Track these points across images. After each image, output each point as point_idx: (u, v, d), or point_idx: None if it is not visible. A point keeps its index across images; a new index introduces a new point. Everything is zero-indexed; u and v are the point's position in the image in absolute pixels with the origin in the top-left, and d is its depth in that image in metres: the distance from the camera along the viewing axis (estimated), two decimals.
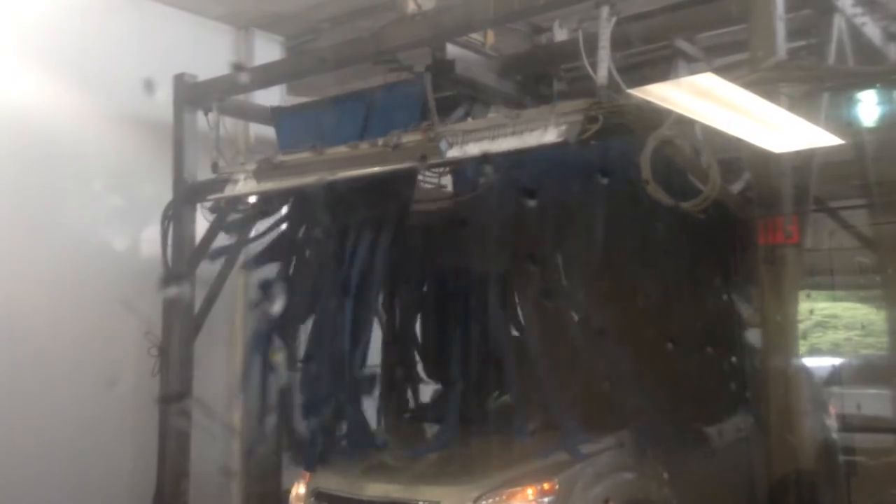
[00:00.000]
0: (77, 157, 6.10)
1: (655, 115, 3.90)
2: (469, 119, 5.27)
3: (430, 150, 4.80)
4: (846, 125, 4.42)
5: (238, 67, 6.87)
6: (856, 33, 4.87)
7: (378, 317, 5.97)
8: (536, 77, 5.92)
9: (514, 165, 4.83)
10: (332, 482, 4.98)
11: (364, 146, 5.24)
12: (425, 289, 5.96)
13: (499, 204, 4.97)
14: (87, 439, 5.92)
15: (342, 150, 5.44)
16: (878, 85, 4.27)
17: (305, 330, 5.72)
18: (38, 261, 5.81)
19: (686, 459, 5.03)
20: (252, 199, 6.22)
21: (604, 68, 4.33)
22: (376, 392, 5.86)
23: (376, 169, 5.08)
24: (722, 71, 3.83)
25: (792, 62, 4.09)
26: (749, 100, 3.49)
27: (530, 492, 4.44)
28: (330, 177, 5.26)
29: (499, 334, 5.19)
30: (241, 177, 5.98)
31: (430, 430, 5.60)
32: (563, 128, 4.37)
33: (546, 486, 4.45)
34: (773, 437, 4.00)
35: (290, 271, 5.80)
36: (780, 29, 4.10)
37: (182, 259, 6.31)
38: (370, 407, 5.72)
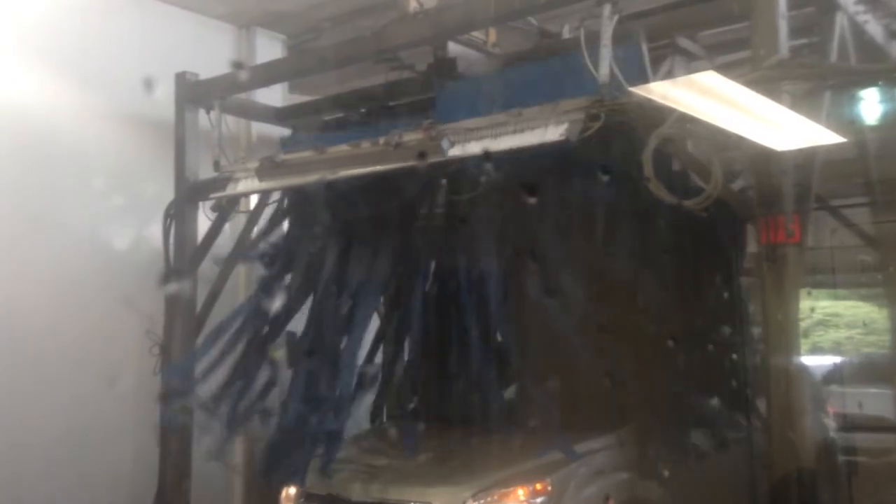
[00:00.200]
0: (78, 156, 6.10)
1: (657, 114, 3.90)
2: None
3: (432, 148, 4.80)
4: (848, 123, 4.42)
5: (239, 66, 6.87)
6: (858, 31, 4.86)
7: (378, 314, 5.96)
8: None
9: (515, 161, 4.81)
10: (323, 483, 4.96)
11: (365, 145, 5.24)
12: (426, 286, 5.94)
13: (499, 201, 4.96)
14: (88, 439, 5.91)
15: (343, 148, 5.44)
16: (880, 83, 4.27)
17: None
18: (40, 260, 5.81)
19: (685, 458, 5.01)
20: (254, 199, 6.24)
21: (605, 66, 4.33)
22: (371, 391, 5.83)
23: (378, 168, 5.07)
24: (724, 69, 3.83)
25: (794, 60, 4.09)
26: (751, 98, 3.49)
27: (521, 492, 4.42)
28: (331, 175, 5.26)
29: (499, 332, 5.17)
30: (243, 175, 5.98)
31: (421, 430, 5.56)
32: (565, 126, 4.37)
33: (538, 486, 4.43)
34: (774, 435, 4.00)
35: (292, 268, 5.78)
36: (783, 27, 4.10)
37: (184, 258, 6.30)
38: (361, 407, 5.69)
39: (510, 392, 5.63)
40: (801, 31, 4.56)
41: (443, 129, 4.83)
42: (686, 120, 3.85)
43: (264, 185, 5.82)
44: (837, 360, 9.11)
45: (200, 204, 6.31)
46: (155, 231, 6.27)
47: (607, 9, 4.40)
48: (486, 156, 4.63)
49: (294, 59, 7.31)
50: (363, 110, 6.57)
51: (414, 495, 4.59)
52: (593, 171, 4.69)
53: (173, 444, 6.12)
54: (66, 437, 5.79)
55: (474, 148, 4.70)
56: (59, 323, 5.82)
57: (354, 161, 5.22)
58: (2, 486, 5.43)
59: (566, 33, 5.50)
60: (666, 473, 4.80)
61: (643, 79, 4.34)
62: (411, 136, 4.97)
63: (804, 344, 4.52)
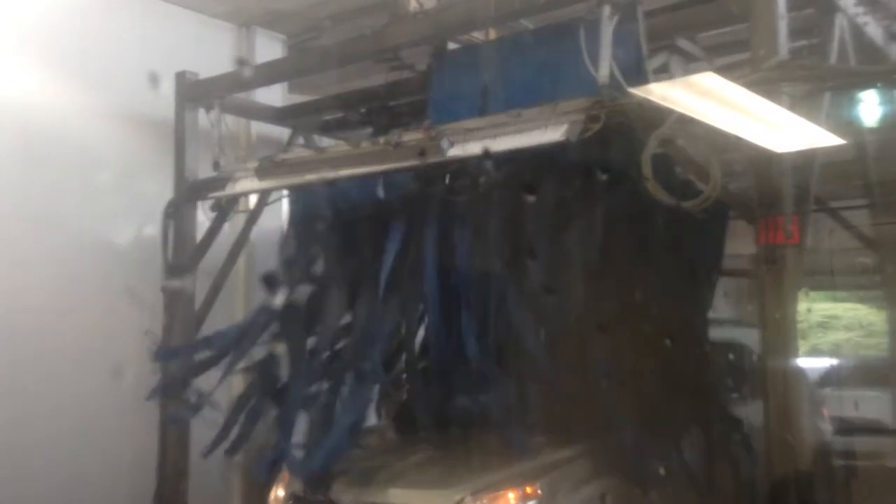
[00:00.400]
0: (78, 155, 6.09)
1: (657, 115, 3.90)
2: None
3: (432, 148, 4.80)
4: (847, 125, 4.41)
5: (241, 62, 6.87)
6: (858, 33, 4.87)
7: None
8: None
9: (516, 160, 4.80)
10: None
11: (365, 145, 5.25)
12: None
13: (500, 200, 4.95)
14: (87, 437, 5.91)
15: (343, 148, 5.45)
16: (879, 84, 4.25)
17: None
18: (40, 258, 5.81)
19: (674, 463, 4.96)
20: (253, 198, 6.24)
21: (605, 67, 4.33)
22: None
23: (378, 168, 5.08)
24: (723, 70, 3.83)
25: (793, 62, 4.09)
26: (750, 99, 3.49)
27: (512, 496, 4.38)
28: (331, 175, 5.26)
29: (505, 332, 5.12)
30: (243, 175, 5.98)
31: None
32: (565, 126, 4.36)
33: (528, 489, 4.39)
34: (771, 437, 3.99)
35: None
36: (782, 28, 4.10)
37: (183, 257, 6.31)
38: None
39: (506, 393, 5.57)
40: (800, 32, 4.56)
41: (442, 130, 4.83)
42: (685, 121, 3.85)
43: (264, 184, 5.82)
44: (834, 362, 9.11)
45: (199, 203, 6.31)
46: (154, 230, 6.27)
47: (607, 9, 4.40)
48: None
49: (294, 58, 7.32)
50: (363, 110, 6.60)
51: (402, 498, 4.55)
52: (607, 170, 4.68)
53: (172, 443, 6.13)
54: (66, 435, 5.79)
55: (474, 148, 4.70)
56: (58, 321, 5.81)
57: (354, 161, 5.22)
58: (4, 482, 5.43)
59: None
60: (658, 476, 4.76)
61: (641, 75, 4.35)
62: (411, 136, 4.97)
63: (803, 346, 4.52)
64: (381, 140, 5.09)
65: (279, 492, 5.12)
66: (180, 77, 6.39)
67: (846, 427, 6.24)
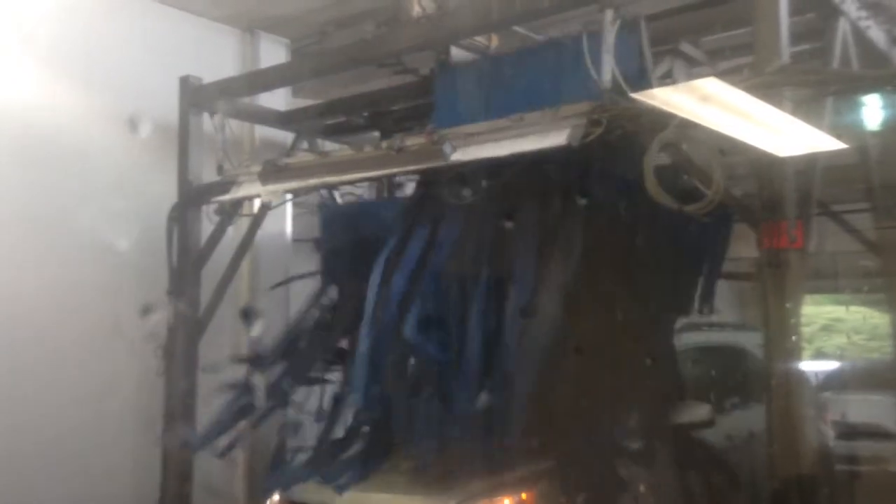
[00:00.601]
0: (82, 159, 6.11)
1: (659, 119, 3.90)
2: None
3: (434, 153, 4.81)
4: (850, 129, 4.42)
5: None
6: (860, 37, 4.87)
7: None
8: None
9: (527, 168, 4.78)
10: (306, 493, 4.93)
11: (368, 149, 5.26)
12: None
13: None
14: (91, 441, 5.92)
15: (346, 153, 5.47)
16: (882, 88, 4.25)
17: None
18: (44, 261, 5.82)
19: (666, 470, 4.96)
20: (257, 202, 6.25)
21: (607, 71, 4.34)
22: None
23: (381, 172, 5.09)
24: (726, 74, 3.84)
25: (796, 66, 4.09)
26: (753, 104, 3.49)
27: (507, 502, 4.36)
28: (334, 179, 5.28)
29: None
30: (246, 179, 5.99)
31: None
32: (567, 131, 4.37)
33: (523, 496, 4.37)
34: (774, 442, 3.99)
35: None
36: (785, 32, 4.10)
37: (187, 260, 6.32)
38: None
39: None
40: (803, 36, 4.57)
41: (444, 134, 4.84)
42: (688, 125, 3.85)
43: (267, 188, 5.83)
44: (835, 365, 9.06)
45: (204, 207, 6.33)
46: (158, 234, 6.28)
47: (609, 14, 4.41)
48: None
49: (297, 62, 7.33)
50: (366, 114, 6.62)
51: None
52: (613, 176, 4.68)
53: (175, 446, 6.14)
54: (69, 439, 5.79)
55: (476, 152, 4.71)
56: (60, 326, 5.83)
57: (357, 165, 5.23)
58: (5, 487, 5.44)
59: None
60: (643, 487, 4.73)
61: (644, 85, 4.35)
62: (414, 141, 4.98)
63: (807, 349, 4.51)
64: (384, 144, 5.10)
65: (275, 497, 5.09)
66: (184, 81, 6.41)
67: (847, 431, 6.22)
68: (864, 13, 4.93)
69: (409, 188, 7.26)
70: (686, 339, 5.73)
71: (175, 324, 6.28)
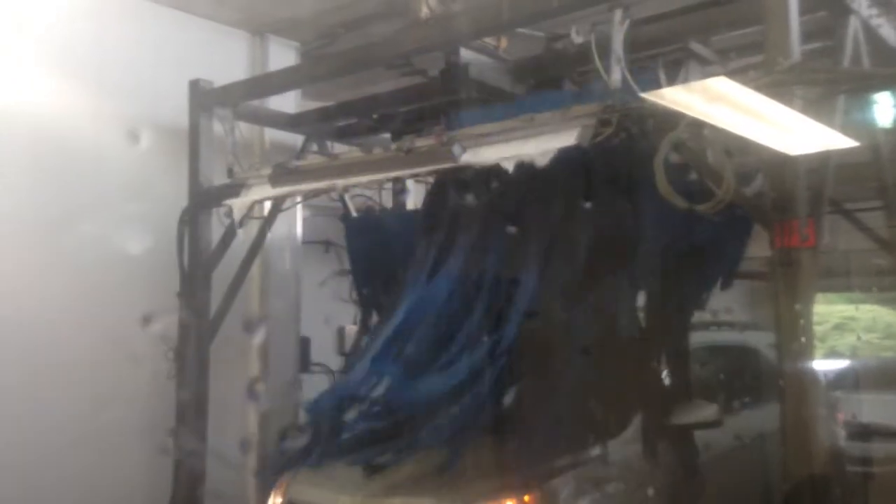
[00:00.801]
0: (93, 163, 6.15)
1: (669, 119, 3.89)
2: None
3: (444, 154, 4.81)
4: (862, 127, 4.39)
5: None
6: (872, 35, 4.83)
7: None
8: (550, 80, 5.91)
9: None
10: (308, 493, 4.92)
11: (377, 151, 5.26)
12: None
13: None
14: (102, 444, 5.95)
15: (356, 154, 5.47)
16: (894, 86, 4.23)
17: None
18: (55, 266, 5.86)
19: (674, 471, 4.92)
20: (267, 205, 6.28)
21: (617, 72, 4.33)
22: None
23: (391, 174, 5.09)
24: (736, 73, 3.82)
25: (807, 64, 4.06)
26: (763, 103, 3.47)
27: None
28: (343, 182, 5.28)
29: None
30: (257, 182, 6.01)
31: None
32: (577, 131, 4.36)
33: (527, 498, 4.32)
34: (786, 442, 3.97)
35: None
36: (795, 31, 4.08)
37: (198, 263, 6.35)
38: None
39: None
40: (813, 35, 4.54)
41: (454, 135, 4.84)
42: (698, 125, 3.84)
43: (277, 191, 5.85)
44: (848, 364, 8.98)
45: (214, 210, 6.35)
46: (169, 237, 6.31)
47: (618, 14, 4.40)
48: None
49: (307, 65, 7.35)
50: (375, 116, 6.63)
51: None
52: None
53: (188, 448, 6.16)
54: (81, 443, 5.82)
55: (486, 153, 4.70)
56: (73, 329, 5.86)
57: (367, 167, 5.24)
58: (19, 491, 5.48)
59: (574, 37, 5.50)
60: (652, 490, 4.69)
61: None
62: (423, 142, 4.98)
63: (820, 348, 4.48)
64: (394, 146, 5.11)
65: (277, 499, 5.09)
66: (194, 85, 6.43)
67: (859, 431, 6.17)
68: (875, 11, 4.89)
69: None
70: (694, 339, 5.70)
71: (186, 327, 6.31)
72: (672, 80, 4.60)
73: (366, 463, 4.80)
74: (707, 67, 4.89)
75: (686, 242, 4.90)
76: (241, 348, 7.00)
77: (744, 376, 6.17)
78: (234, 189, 6.12)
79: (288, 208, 6.46)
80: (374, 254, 6.35)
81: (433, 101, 5.94)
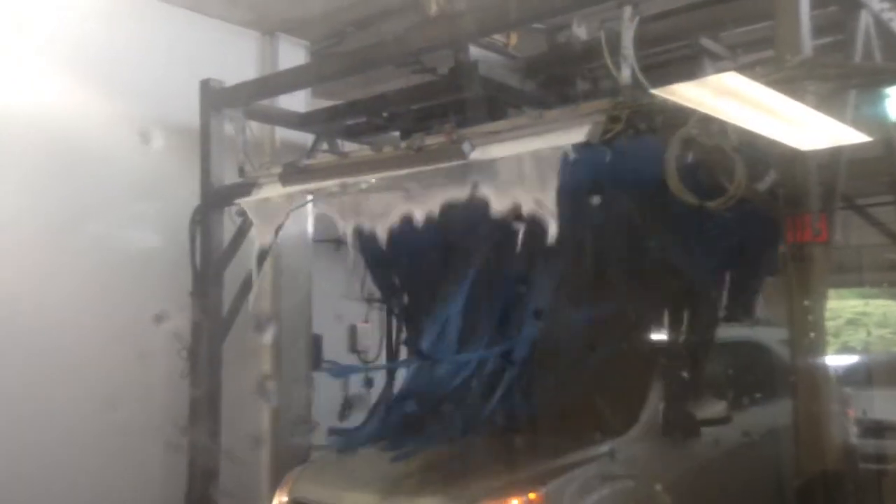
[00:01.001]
0: (105, 164, 6.18)
1: (679, 115, 3.89)
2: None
3: (454, 151, 4.82)
4: (874, 121, 4.37)
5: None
6: (883, 29, 4.81)
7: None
8: (560, 77, 5.91)
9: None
10: (313, 491, 4.94)
11: (387, 149, 5.27)
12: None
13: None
14: (117, 443, 5.99)
15: (366, 153, 5.48)
16: None
17: None
18: (69, 267, 5.90)
19: (682, 467, 4.91)
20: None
21: (627, 68, 4.32)
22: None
23: (401, 172, 5.10)
24: (747, 69, 3.81)
25: (818, 59, 4.05)
26: (775, 98, 3.47)
27: (515, 502, 4.28)
28: (353, 180, 5.29)
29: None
30: (267, 181, 6.03)
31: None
32: (587, 128, 4.36)
33: (532, 496, 4.28)
34: (799, 437, 3.96)
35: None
36: (806, 26, 4.07)
37: (210, 262, 6.38)
38: None
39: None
40: (824, 29, 4.52)
41: (464, 133, 4.85)
42: (709, 121, 3.84)
43: (288, 190, 5.87)
44: (860, 360, 8.91)
45: (226, 209, 6.38)
46: (181, 236, 6.34)
47: (628, 10, 4.39)
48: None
49: (317, 64, 7.37)
50: (386, 114, 6.63)
51: None
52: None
53: (201, 443, 6.19)
54: (96, 441, 5.87)
55: (496, 151, 4.71)
56: (87, 328, 5.90)
57: (377, 166, 5.25)
58: (36, 490, 5.53)
59: (575, 28, 5.51)
60: (660, 486, 4.65)
61: None
62: (433, 140, 4.99)
63: (833, 344, 4.46)
64: (404, 144, 5.11)
65: (283, 498, 5.12)
66: (205, 85, 6.46)
67: (871, 427, 6.13)
68: (886, 5, 4.87)
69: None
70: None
71: (199, 325, 6.34)
72: (682, 77, 4.59)
73: (394, 450, 4.82)
74: (718, 63, 4.88)
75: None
76: (253, 346, 7.02)
77: (753, 373, 6.14)
78: (246, 188, 6.14)
79: (299, 207, 6.48)
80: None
81: (443, 99, 5.96)
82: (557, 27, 5.87)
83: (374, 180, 5.19)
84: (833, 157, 4.24)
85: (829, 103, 3.76)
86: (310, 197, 6.22)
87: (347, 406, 6.29)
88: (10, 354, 5.54)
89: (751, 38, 5.12)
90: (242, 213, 6.30)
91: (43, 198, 5.84)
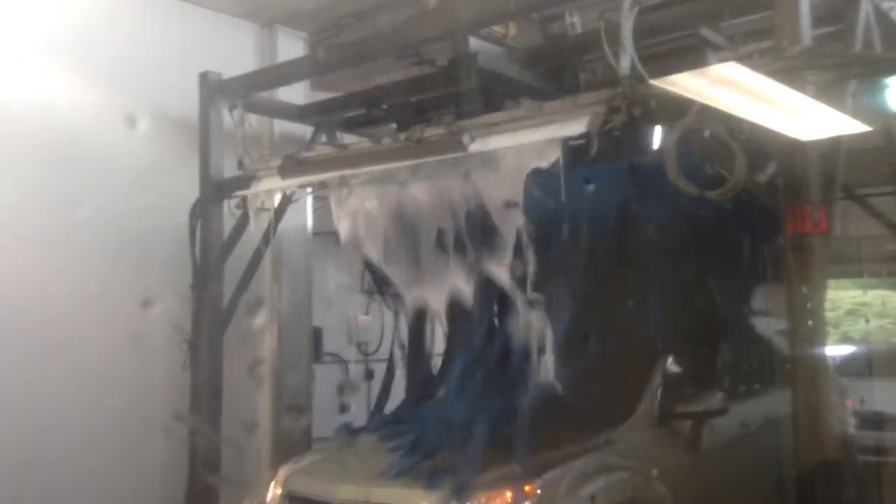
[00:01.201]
0: (104, 157, 6.16)
1: (679, 106, 3.88)
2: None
3: (453, 143, 4.81)
4: (874, 111, 4.36)
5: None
6: (883, 18, 4.80)
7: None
8: (559, 68, 5.90)
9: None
10: (306, 485, 4.92)
11: (387, 141, 5.27)
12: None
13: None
14: (119, 435, 6.00)
15: (365, 145, 5.47)
16: None
17: None
18: (70, 260, 5.90)
19: (678, 457, 4.91)
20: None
21: (627, 59, 4.31)
22: None
23: (399, 164, 5.09)
24: (747, 59, 3.80)
25: (817, 49, 4.04)
26: (774, 88, 3.46)
27: (509, 494, 4.24)
28: (352, 172, 5.29)
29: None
30: (266, 173, 6.03)
31: None
32: (587, 118, 4.36)
33: (527, 488, 4.25)
34: (798, 428, 3.97)
35: None
36: (805, 15, 4.06)
37: (210, 254, 6.38)
38: None
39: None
40: (824, 19, 4.51)
41: (463, 125, 4.84)
42: (708, 111, 3.83)
43: (287, 182, 5.86)
44: (857, 350, 8.89)
45: (225, 202, 6.38)
46: (181, 230, 6.34)
47: (627, 1, 4.38)
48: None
49: (315, 56, 7.33)
50: (385, 106, 6.62)
51: (397, 498, 4.46)
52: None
53: (202, 440, 6.21)
54: (99, 434, 5.88)
55: (495, 142, 4.70)
56: (89, 322, 5.91)
57: (376, 157, 5.24)
58: (38, 481, 5.55)
59: (567, 18, 5.50)
60: (656, 472, 4.63)
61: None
62: (433, 132, 4.98)
63: (833, 334, 4.46)
64: (403, 136, 5.11)
65: (277, 490, 5.10)
66: (203, 77, 6.44)
67: (870, 419, 6.13)
68: None
69: None
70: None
71: (199, 318, 6.34)
72: (682, 67, 4.59)
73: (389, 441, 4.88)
74: (719, 53, 4.87)
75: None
76: (254, 338, 7.03)
77: (750, 363, 6.14)
78: (245, 181, 6.13)
79: (298, 199, 6.48)
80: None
81: (442, 91, 5.95)
82: (551, 18, 5.87)
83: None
84: (833, 148, 4.23)
85: (828, 93, 3.76)
86: (309, 189, 6.23)
87: (342, 391, 6.25)
88: (10, 348, 5.53)
89: (751, 27, 5.10)
90: (242, 206, 6.30)
91: (42, 192, 5.83)
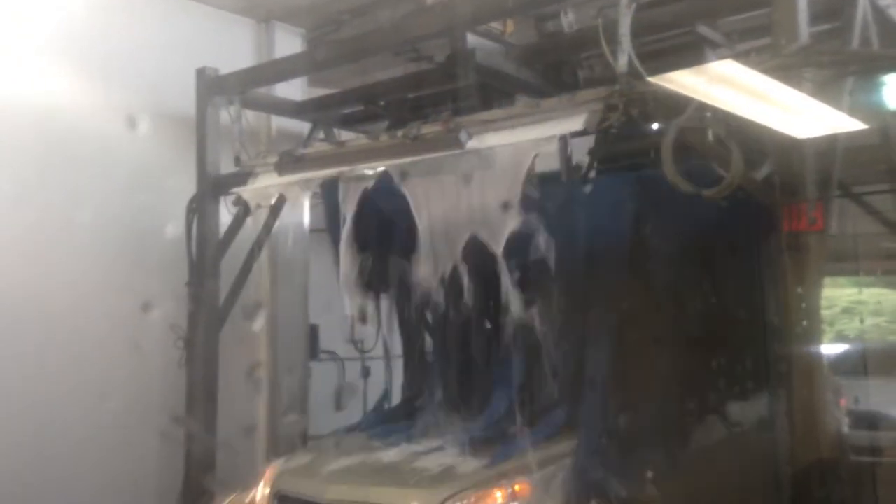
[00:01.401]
0: (101, 154, 6.16)
1: (677, 103, 3.88)
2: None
3: (451, 140, 4.81)
4: (871, 109, 4.37)
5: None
6: (880, 16, 4.81)
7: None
8: (557, 65, 5.90)
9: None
10: (295, 484, 4.88)
11: (384, 138, 5.26)
12: None
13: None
14: (114, 433, 5.99)
15: (363, 142, 5.47)
16: None
17: None
18: (66, 257, 5.89)
19: (673, 457, 4.84)
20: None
21: (624, 56, 4.31)
22: None
23: (397, 161, 5.09)
24: (744, 56, 3.80)
25: (815, 47, 4.04)
26: (771, 86, 3.46)
27: (500, 494, 4.22)
28: (349, 169, 5.28)
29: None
30: (263, 170, 6.02)
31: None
32: (584, 116, 4.36)
33: (517, 487, 4.23)
34: (793, 427, 3.97)
35: None
36: (803, 13, 4.06)
37: (206, 251, 6.37)
38: None
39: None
40: (821, 16, 4.51)
41: (461, 122, 4.83)
42: (706, 109, 3.83)
43: (284, 179, 5.85)
44: (851, 348, 8.88)
45: (222, 198, 6.36)
46: (177, 226, 6.33)
47: None
48: None
49: (313, 52, 7.33)
50: (382, 103, 6.62)
51: (387, 497, 4.42)
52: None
53: (198, 435, 6.20)
54: (93, 432, 5.88)
55: (493, 140, 4.70)
56: (85, 319, 5.90)
57: (374, 154, 5.24)
58: (34, 480, 5.54)
59: (563, 17, 5.49)
60: (651, 473, 4.56)
61: None
62: (430, 129, 4.98)
63: (828, 332, 4.46)
64: (400, 133, 5.10)
65: (265, 490, 5.05)
66: (201, 73, 6.43)
67: (863, 418, 6.13)
68: None
69: None
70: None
71: (195, 315, 6.33)
72: (679, 65, 4.59)
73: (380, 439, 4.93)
74: (716, 50, 4.87)
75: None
76: (250, 336, 7.02)
77: (744, 363, 6.13)
78: (242, 177, 6.12)
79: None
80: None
81: (440, 88, 5.94)
82: (546, 16, 5.87)
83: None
84: (829, 145, 4.24)
85: (825, 91, 3.76)
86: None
87: (340, 393, 6.26)
88: (7, 345, 5.53)
89: (748, 25, 5.11)
90: (239, 203, 6.29)
91: (39, 189, 5.82)
